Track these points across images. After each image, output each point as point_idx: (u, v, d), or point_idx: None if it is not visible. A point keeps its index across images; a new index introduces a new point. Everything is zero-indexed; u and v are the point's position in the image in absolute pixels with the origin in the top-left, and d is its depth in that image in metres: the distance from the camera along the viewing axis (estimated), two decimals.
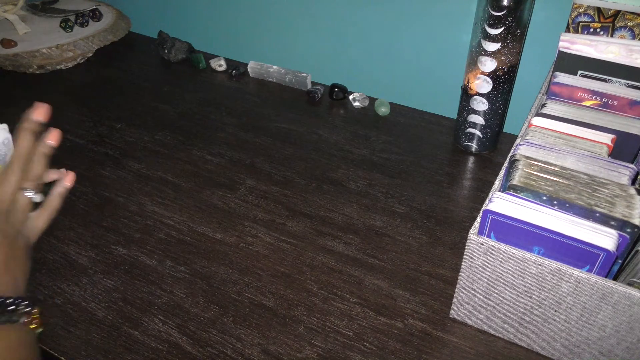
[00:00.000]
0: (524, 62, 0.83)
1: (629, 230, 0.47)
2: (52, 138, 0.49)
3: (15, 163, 0.47)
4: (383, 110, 0.97)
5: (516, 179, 0.52)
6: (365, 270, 0.67)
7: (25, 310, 0.43)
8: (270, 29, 1.10)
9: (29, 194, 0.48)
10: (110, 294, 0.65)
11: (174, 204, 0.78)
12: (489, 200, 0.52)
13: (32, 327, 0.44)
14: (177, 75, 1.12)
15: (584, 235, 0.47)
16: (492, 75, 0.76)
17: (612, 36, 0.68)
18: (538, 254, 0.50)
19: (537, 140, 0.57)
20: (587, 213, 0.49)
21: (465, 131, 0.85)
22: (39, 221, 0.50)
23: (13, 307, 0.42)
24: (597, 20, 0.68)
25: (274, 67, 1.07)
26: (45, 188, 0.52)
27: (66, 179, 0.53)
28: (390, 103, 0.99)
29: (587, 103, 0.63)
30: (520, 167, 0.53)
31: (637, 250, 0.50)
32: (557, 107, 0.62)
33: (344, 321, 0.61)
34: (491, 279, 0.53)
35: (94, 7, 1.21)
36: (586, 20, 0.69)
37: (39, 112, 0.48)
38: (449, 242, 0.71)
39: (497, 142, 0.87)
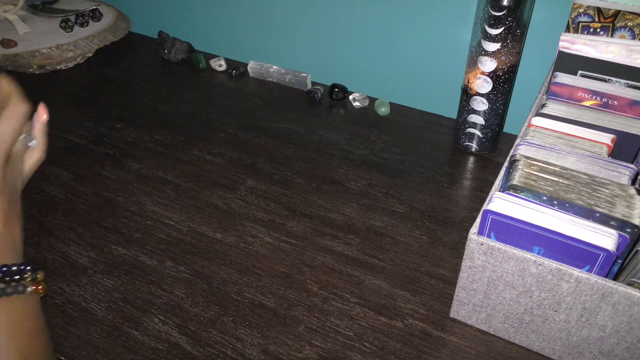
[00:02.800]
0: (524, 62, 0.83)
1: (629, 230, 0.47)
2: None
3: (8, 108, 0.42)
4: (383, 110, 0.97)
5: (516, 179, 0.52)
6: (365, 270, 0.67)
7: (31, 277, 0.40)
8: (270, 29, 1.10)
9: (25, 139, 0.45)
10: (110, 294, 0.65)
11: (174, 204, 0.78)
12: (489, 200, 0.52)
13: (39, 292, 0.41)
14: (177, 75, 1.12)
15: (584, 235, 0.47)
16: (492, 75, 0.76)
17: (612, 36, 0.68)
18: (538, 254, 0.50)
19: (537, 140, 0.58)
20: (587, 213, 0.49)
21: (465, 131, 0.85)
22: (28, 166, 0.46)
23: (18, 276, 0.39)
24: (597, 20, 0.68)
25: (274, 67, 1.07)
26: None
27: (40, 114, 0.49)
28: (390, 103, 0.99)
29: (587, 103, 0.63)
30: (520, 167, 0.53)
31: (637, 250, 0.50)
32: (557, 107, 0.62)
33: (344, 321, 0.61)
34: (491, 279, 0.53)
35: (94, 7, 1.21)
36: (586, 20, 0.69)
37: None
38: (449, 242, 0.71)
39: (497, 142, 0.87)
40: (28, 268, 0.40)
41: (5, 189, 0.41)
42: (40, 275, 0.41)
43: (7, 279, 0.38)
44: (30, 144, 0.46)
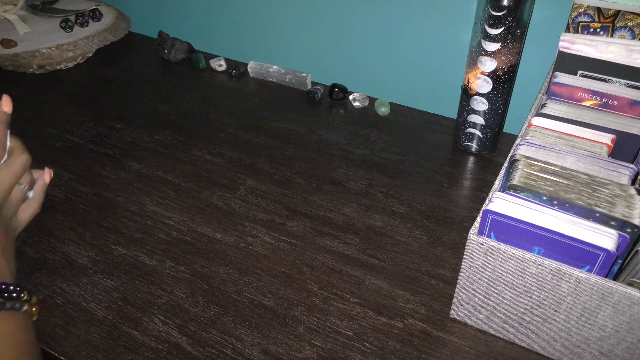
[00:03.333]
0: (524, 62, 0.83)
1: (629, 230, 0.47)
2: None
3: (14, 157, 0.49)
4: (383, 110, 0.97)
5: (516, 179, 0.52)
6: (365, 270, 0.67)
7: (27, 297, 0.44)
8: (270, 29, 1.10)
9: (24, 188, 0.51)
10: (110, 294, 0.65)
11: (174, 204, 0.78)
12: (489, 200, 0.52)
13: (32, 314, 0.45)
14: (177, 75, 1.12)
15: (584, 235, 0.47)
16: (492, 75, 0.76)
17: (612, 36, 0.68)
18: (538, 254, 0.50)
19: (537, 140, 0.58)
20: (587, 213, 0.49)
21: (465, 131, 0.85)
22: (25, 215, 0.52)
23: (15, 294, 0.43)
24: (597, 20, 0.68)
25: (274, 67, 1.07)
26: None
27: (45, 175, 0.56)
28: (390, 103, 0.99)
29: (587, 103, 0.63)
30: (520, 167, 0.53)
31: (637, 250, 0.50)
32: (557, 107, 0.62)
33: (344, 321, 0.61)
34: (491, 279, 0.53)
35: (94, 7, 1.21)
36: (586, 20, 0.69)
37: (6, 104, 0.49)
38: (449, 242, 0.71)
39: (497, 142, 0.87)
40: (25, 290, 0.44)
41: (2, 222, 0.46)
42: (33, 299, 0.46)
43: (6, 295, 0.42)
44: (28, 193, 0.52)
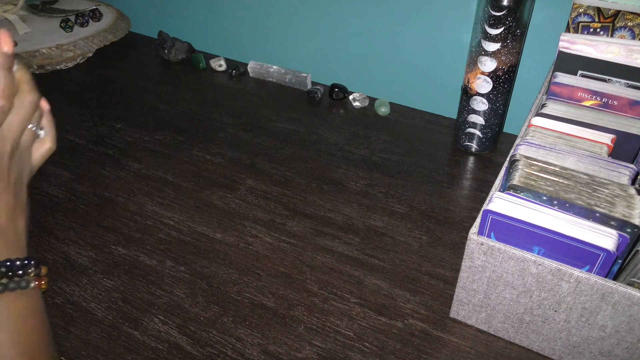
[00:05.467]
0: (524, 62, 0.83)
1: (629, 230, 0.47)
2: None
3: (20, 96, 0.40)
4: (383, 110, 0.97)
5: (516, 179, 0.52)
6: (365, 270, 0.67)
7: (35, 272, 0.39)
8: (270, 29, 1.10)
9: (34, 128, 0.43)
10: (110, 294, 0.65)
11: (174, 204, 0.78)
12: (489, 200, 0.52)
13: (41, 287, 0.40)
14: (177, 75, 1.12)
15: (584, 235, 0.47)
16: (492, 75, 0.76)
17: (612, 36, 0.68)
18: (538, 254, 0.50)
19: (537, 140, 0.57)
20: (587, 213, 0.49)
21: (465, 131, 0.85)
22: (38, 155, 0.44)
23: (21, 271, 0.38)
24: (597, 20, 0.68)
25: (274, 67, 1.07)
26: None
27: (42, 105, 0.46)
28: (390, 103, 0.99)
29: (587, 103, 0.63)
30: (520, 167, 0.53)
31: (637, 250, 0.50)
32: (557, 107, 0.62)
33: (344, 321, 0.61)
34: (491, 279, 0.53)
35: (94, 7, 1.21)
36: (586, 20, 0.69)
37: (5, 42, 0.41)
38: (449, 242, 0.71)
39: (497, 142, 0.87)
40: (32, 263, 0.39)
41: (11, 182, 0.40)
42: (43, 270, 0.40)
43: (10, 274, 0.38)
44: (39, 133, 0.44)
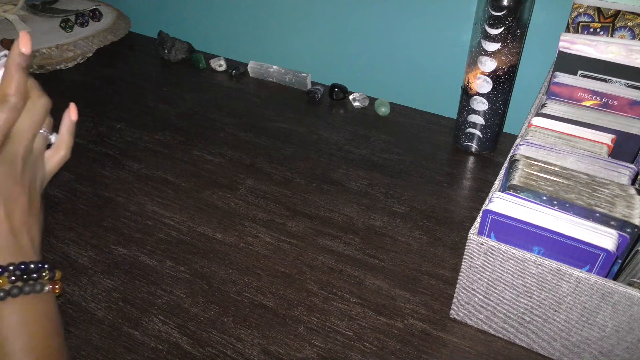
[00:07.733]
0: (524, 62, 0.83)
1: (629, 230, 0.47)
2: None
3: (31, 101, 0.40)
4: (383, 110, 0.97)
5: (516, 179, 0.52)
6: (365, 270, 0.67)
7: (49, 276, 0.39)
8: (270, 29, 1.10)
9: (46, 134, 0.43)
10: (110, 294, 0.65)
11: (174, 204, 0.78)
12: (489, 200, 0.52)
13: (56, 291, 0.40)
14: (177, 75, 1.12)
15: (584, 235, 0.47)
16: (492, 75, 0.76)
17: (612, 36, 0.68)
18: (538, 254, 0.50)
19: (537, 140, 0.58)
20: (587, 213, 0.49)
21: (465, 131, 0.85)
22: (52, 163, 0.44)
23: (36, 274, 0.38)
24: (597, 20, 0.68)
25: (274, 67, 1.07)
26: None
27: (71, 112, 0.48)
28: (390, 103, 0.99)
29: (587, 103, 0.63)
30: (520, 167, 0.53)
31: (637, 250, 0.50)
32: (557, 107, 0.62)
33: (344, 321, 0.61)
34: (491, 279, 0.53)
35: (94, 7, 1.21)
36: (586, 20, 0.69)
37: (25, 43, 0.39)
38: (449, 242, 0.71)
39: (497, 142, 0.87)
40: (46, 266, 0.39)
41: (26, 184, 0.40)
42: (58, 274, 0.40)
43: (25, 277, 0.37)
44: (50, 138, 0.44)
